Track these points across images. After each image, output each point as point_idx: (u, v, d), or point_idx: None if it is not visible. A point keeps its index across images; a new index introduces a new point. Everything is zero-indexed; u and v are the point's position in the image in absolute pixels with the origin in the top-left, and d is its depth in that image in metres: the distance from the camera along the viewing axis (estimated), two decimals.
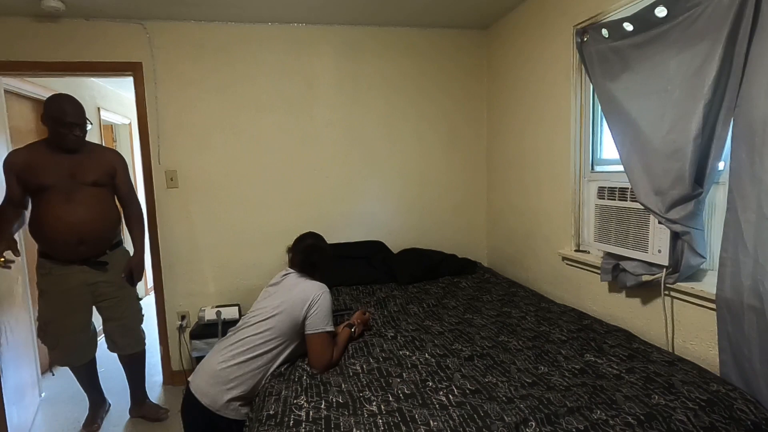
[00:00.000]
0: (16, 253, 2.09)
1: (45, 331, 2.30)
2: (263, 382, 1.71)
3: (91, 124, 2.35)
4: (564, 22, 2.34)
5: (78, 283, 2.28)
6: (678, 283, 1.73)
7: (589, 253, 2.31)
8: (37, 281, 2.29)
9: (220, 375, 1.67)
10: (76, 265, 2.26)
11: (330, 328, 1.77)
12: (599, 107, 2.15)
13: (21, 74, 2.79)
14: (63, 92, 2.31)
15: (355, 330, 1.96)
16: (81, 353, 2.39)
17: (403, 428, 1.30)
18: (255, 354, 1.70)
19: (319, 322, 1.75)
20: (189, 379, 1.74)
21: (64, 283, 2.25)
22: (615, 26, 1.90)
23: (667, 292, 1.80)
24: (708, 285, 1.66)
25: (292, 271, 1.94)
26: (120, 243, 2.47)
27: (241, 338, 1.73)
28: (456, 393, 1.48)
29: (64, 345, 2.33)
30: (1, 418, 2.20)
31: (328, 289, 1.84)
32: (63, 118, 2.16)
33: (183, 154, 2.91)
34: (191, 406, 1.68)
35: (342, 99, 3.09)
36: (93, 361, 2.49)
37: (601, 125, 2.28)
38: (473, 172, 3.36)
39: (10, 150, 2.27)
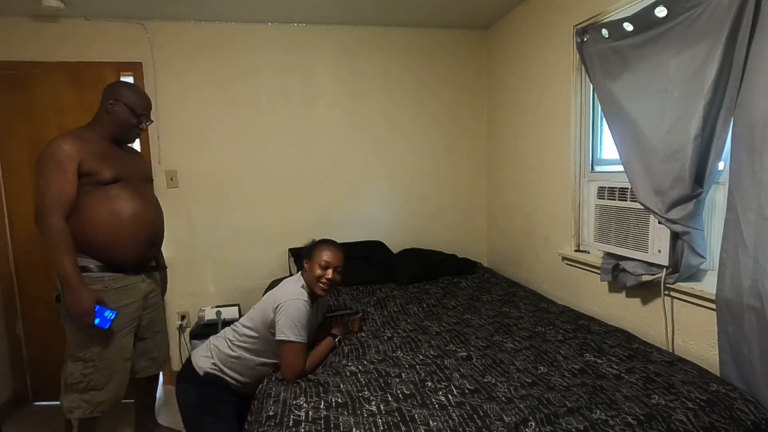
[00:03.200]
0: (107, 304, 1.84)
1: (96, 367, 1.88)
2: (249, 374, 1.81)
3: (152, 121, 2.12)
4: (564, 22, 2.34)
5: (139, 296, 1.99)
6: (678, 283, 1.73)
7: (589, 253, 2.31)
8: None
9: (209, 343, 1.86)
10: (133, 274, 1.96)
11: (295, 339, 1.68)
12: (599, 107, 2.15)
13: (15, 74, 2.78)
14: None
15: (339, 341, 1.92)
16: (125, 386, 2.02)
17: (403, 428, 1.30)
18: (238, 341, 1.81)
19: (284, 328, 1.68)
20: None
21: (125, 297, 1.92)
22: (615, 26, 1.90)
23: (667, 292, 1.80)
24: (708, 285, 1.65)
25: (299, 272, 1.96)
26: None
27: (235, 326, 1.87)
28: (455, 393, 1.48)
29: (116, 380, 1.94)
30: None
31: (303, 299, 1.75)
32: (139, 109, 1.96)
33: (183, 154, 2.91)
34: (184, 372, 1.83)
35: (342, 99, 3.09)
36: None
37: (601, 125, 2.27)
38: (474, 172, 3.36)
39: (56, 139, 1.83)
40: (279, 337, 1.69)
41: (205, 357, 1.81)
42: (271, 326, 1.74)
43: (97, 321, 1.80)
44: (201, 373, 1.78)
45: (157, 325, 2.19)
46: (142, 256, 2.00)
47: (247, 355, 1.79)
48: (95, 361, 1.89)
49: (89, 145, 1.86)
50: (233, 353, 1.80)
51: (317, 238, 2.02)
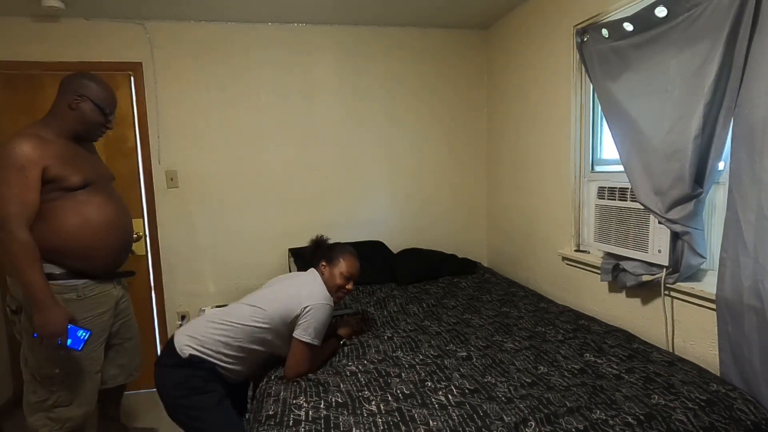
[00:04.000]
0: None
1: (63, 383, 1.77)
2: (243, 363, 1.70)
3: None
4: (564, 22, 2.34)
5: (112, 303, 1.89)
6: (678, 283, 1.73)
7: (589, 253, 2.31)
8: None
9: (196, 325, 1.72)
10: (106, 281, 1.86)
11: (315, 342, 1.70)
12: (599, 107, 2.15)
13: (21, 74, 2.79)
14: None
15: (343, 342, 1.93)
16: (95, 399, 1.90)
17: (403, 428, 1.30)
18: (236, 323, 1.69)
19: (309, 330, 1.69)
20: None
21: (99, 305, 1.82)
22: (615, 26, 1.90)
23: (667, 292, 1.80)
24: (708, 285, 1.65)
25: (313, 269, 1.94)
26: None
27: (234, 307, 1.78)
28: (455, 393, 1.48)
29: (86, 394, 1.83)
30: None
31: (331, 304, 1.78)
32: (108, 106, 1.81)
33: (183, 154, 2.91)
34: (166, 357, 1.68)
35: (342, 99, 3.09)
36: None
37: (601, 125, 2.27)
38: (473, 172, 3.36)
39: (16, 140, 1.64)
40: (302, 337, 1.68)
41: (191, 338, 1.66)
42: (291, 323, 1.72)
43: (69, 342, 1.67)
44: (185, 355, 1.63)
45: (128, 332, 2.06)
46: (115, 263, 1.89)
47: (250, 345, 1.70)
48: (62, 377, 1.77)
49: (53, 147, 1.69)
50: (232, 341, 1.67)
51: (323, 235, 2.06)
